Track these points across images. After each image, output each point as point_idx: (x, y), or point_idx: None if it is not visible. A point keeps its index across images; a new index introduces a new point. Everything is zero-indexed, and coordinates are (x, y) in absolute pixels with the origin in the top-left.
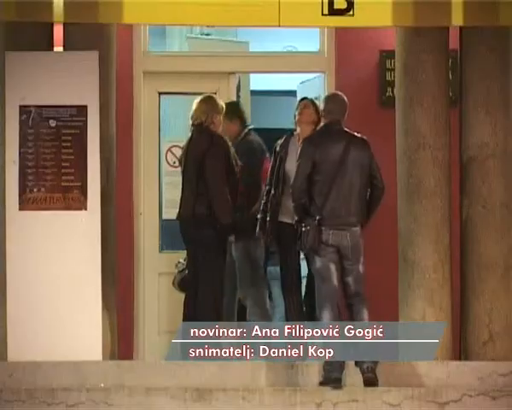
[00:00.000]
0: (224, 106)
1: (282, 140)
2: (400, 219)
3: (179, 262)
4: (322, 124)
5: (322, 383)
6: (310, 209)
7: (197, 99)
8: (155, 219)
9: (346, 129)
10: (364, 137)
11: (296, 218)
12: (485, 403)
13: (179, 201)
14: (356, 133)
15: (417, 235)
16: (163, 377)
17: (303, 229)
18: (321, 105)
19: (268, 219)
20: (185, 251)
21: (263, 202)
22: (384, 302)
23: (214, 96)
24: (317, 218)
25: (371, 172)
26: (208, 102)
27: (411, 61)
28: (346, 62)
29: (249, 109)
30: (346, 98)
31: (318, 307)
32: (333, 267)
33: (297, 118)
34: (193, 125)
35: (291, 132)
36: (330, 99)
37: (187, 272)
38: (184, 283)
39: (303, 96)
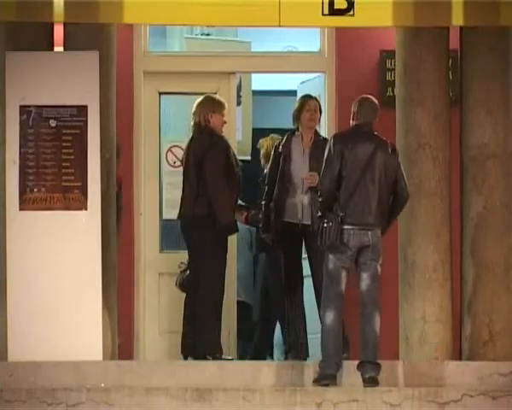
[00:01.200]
0: (226, 104)
1: (284, 140)
2: (400, 219)
3: (182, 263)
4: (353, 124)
5: (315, 380)
6: (333, 206)
7: (197, 100)
8: (155, 219)
9: (376, 133)
10: (393, 145)
11: (319, 213)
12: (486, 403)
13: (180, 201)
14: (385, 139)
15: (417, 235)
16: (163, 377)
17: (324, 225)
18: (353, 107)
19: (272, 219)
20: (186, 251)
21: (263, 202)
22: (384, 302)
23: (213, 95)
24: (340, 215)
25: (397, 179)
26: (204, 102)
27: (411, 61)
28: (347, 62)
29: (251, 109)
30: (377, 102)
31: (322, 307)
32: (344, 274)
33: (304, 117)
34: (193, 125)
35: (292, 132)
36: (363, 102)
37: (188, 272)
38: (186, 283)
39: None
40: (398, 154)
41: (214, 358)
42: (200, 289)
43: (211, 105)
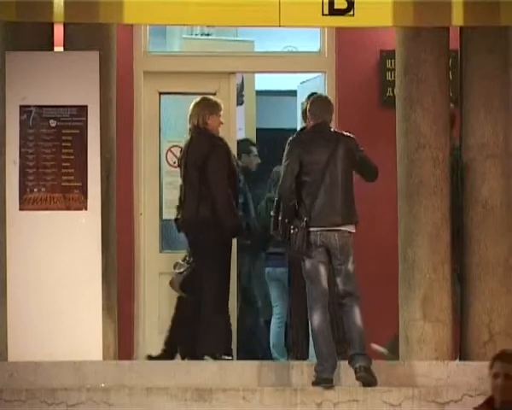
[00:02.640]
0: (221, 105)
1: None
2: (400, 219)
3: (178, 263)
4: (309, 125)
5: (314, 384)
6: (298, 211)
7: (193, 102)
8: (155, 219)
9: (333, 129)
10: (351, 135)
11: (286, 220)
12: None
13: (179, 203)
14: (344, 132)
15: (417, 235)
16: (163, 377)
17: (291, 231)
18: (307, 108)
19: (280, 219)
20: (185, 251)
21: (275, 200)
22: (384, 302)
23: (208, 96)
24: (305, 219)
25: (358, 167)
26: (201, 103)
27: (411, 61)
28: (347, 62)
29: (254, 109)
30: (331, 99)
31: (309, 309)
32: (322, 269)
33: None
34: (192, 128)
35: (301, 130)
36: (316, 101)
37: (186, 273)
38: (186, 283)
39: (303, 96)
40: (355, 142)
41: (217, 358)
42: (207, 291)
43: (208, 106)
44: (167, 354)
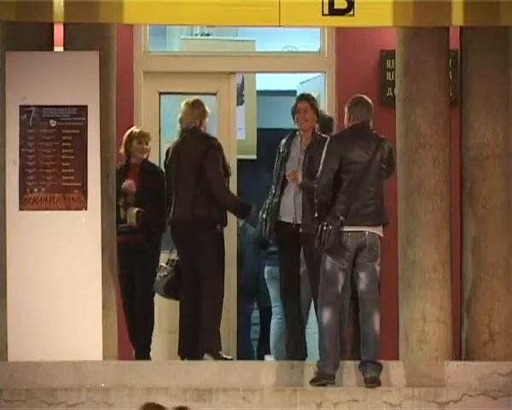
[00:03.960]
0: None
1: (285, 140)
2: (400, 219)
3: (161, 266)
4: (350, 125)
5: (313, 380)
6: (332, 208)
7: (185, 104)
8: None
9: (374, 131)
10: (388, 142)
11: (316, 215)
12: (486, 403)
13: (172, 203)
14: (382, 136)
15: (417, 235)
16: (163, 377)
17: (324, 228)
18: (346, 108)
19: (268, 218)
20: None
21: (268, 201)
22: (384, 302)
23: (200, 99)
24: (341, 218)
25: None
26: (196, 105)
27: (411, 61)
28: (347, 62)
29: (255, 109)
30: (371, 101)
31: (319, 307)
32: (341, 275)
33: (296, 119)
34: (186, 129)
35: (294, 132)
36: (357, 102)
37: (170, 276)
38: (170, 287)
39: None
40: (388, 144)
41: (218, 356)
42: (207, 289)
43: (202, 108)
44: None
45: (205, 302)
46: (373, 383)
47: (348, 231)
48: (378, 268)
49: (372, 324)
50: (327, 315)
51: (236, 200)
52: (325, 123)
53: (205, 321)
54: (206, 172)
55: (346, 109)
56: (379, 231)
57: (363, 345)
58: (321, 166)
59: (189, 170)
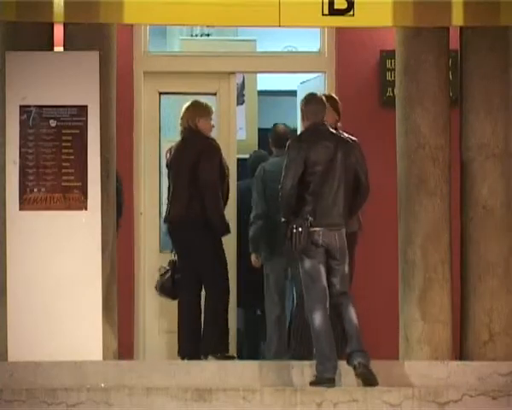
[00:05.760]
0: (212, 108)
1: None
2: (400, 219)
3: (161, 267)
4: (306, 125)
5: (313, 383)
6: (301, 210)
7: (187, 104)
8: (155, 219)
9: (332, 130)
10: (353, 138)
11: (284, 219)
12: (486, 403)
13: (169, 202)
14: (343, 134)
15: (417, 235)
16: (163, 377)
17: (294, 230)
18: (302, 107)
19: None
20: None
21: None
22: (384, 302)
23: (199, 100)
24: (310, 219)
25: (357, 174)
26: (191, 107)
27: (411, 61)
28: (347, 62)
29: (256, 109)
30: (324, 98)
31: (309, 310)
32: (322, 268)
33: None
34: (183, 130)
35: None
36: (312, 100)
37: (168, 275)
38: (164, 286)
39: (303, 96)
40: (358, 146)
41: (223, 357)
42: (208, 290)
43: (197, 110)
44: None
45: (205, 303)
46: (363, 368)
47: (319, 230)
48: (347, 268)
49: (350, 318)
50: (318, 317)
51: (221, 215)
52: None
53: (205, 322)
54: (200, 175)
55: (299, 110)
56: (349, 228)
57: (346, 341)
58: (284, 171)
59: (185, 170)
